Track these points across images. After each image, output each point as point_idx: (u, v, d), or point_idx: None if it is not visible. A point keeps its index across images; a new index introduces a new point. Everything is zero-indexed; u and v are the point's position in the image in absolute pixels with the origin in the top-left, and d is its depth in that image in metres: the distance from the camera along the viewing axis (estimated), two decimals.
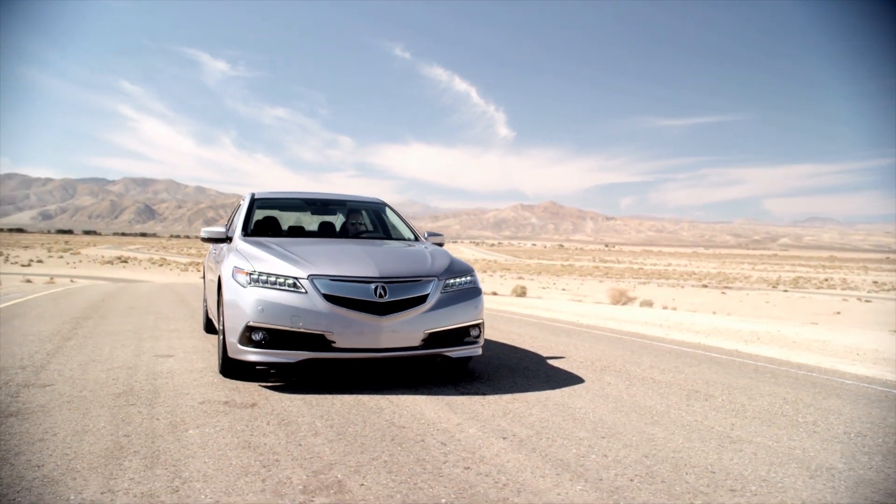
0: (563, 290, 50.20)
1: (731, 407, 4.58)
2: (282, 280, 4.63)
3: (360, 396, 4.49)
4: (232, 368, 4.91)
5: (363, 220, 6.86)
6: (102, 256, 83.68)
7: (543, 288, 52.16)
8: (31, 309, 10.39)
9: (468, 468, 3.11)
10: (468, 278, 5.21)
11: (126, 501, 2.62)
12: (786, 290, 56.63)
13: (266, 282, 4.64)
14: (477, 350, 5.14)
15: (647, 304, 20.18)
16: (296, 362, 4.58)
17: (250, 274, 4.69)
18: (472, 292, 5.15)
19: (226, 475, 2.93)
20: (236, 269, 4.81)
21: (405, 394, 4.62)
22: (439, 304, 4.85)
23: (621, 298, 20.82)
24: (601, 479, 3.00)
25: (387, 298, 4.63)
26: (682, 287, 61.00)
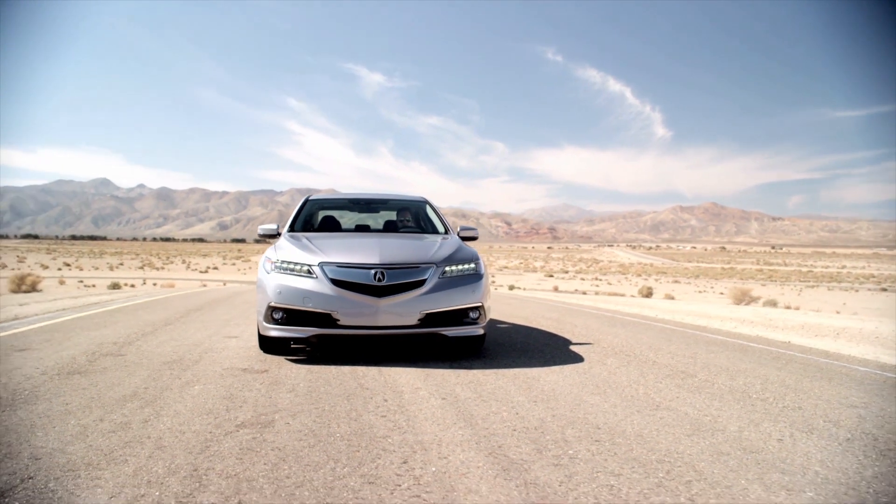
0: (721, 293, 48.08)
1: (698, 385, 4.78)
2: (298, 267, 5.41)
3: (358, 367, 5.16)
4: (267, 344, 5.74)
5: (409, 217, 7.51)
6: None
7: (700, 292, 50.34)
8: (160, 304, 12.04)
9: (384, 416, 3.69)
10: (469, 265, 5.71)
11: (106, 426, 3.44)
12: None
13: (285, 269, 5.44)
14: (477, 330, 5.60)
15: (771, 303, 19.24)
16: (307, 337, 5.31)
17: (274, 262, 5.52)
18: (472, 278, 5.64)
19: (192, 413, 3.71)
20: (266, 259, 5.66)
21: (400, 366, 5.23)
22: (436, 288, 5.40)
23: (744, 298, 19.98)
24: (486, 428, 3.47)
25: (385, 282, 5.25)
26: (857, 291, 56.35)
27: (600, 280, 74.16)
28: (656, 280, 79.56)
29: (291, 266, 5.44)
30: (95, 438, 3.21)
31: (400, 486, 2.62)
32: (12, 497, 2.46)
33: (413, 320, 5.30)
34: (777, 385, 4.83)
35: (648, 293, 28.88)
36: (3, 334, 6.89)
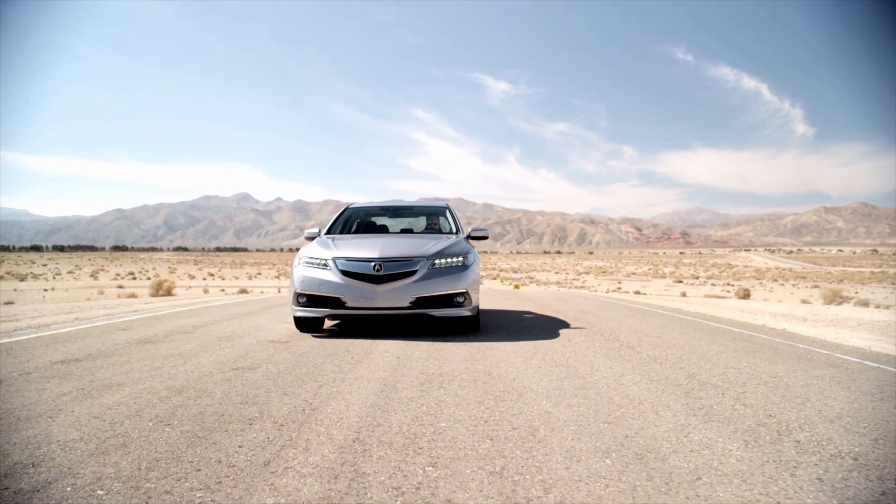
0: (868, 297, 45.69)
1: (624, 354, 5.74)
2: (317, 261, 6.83)
3: (358, 340, 6.49)
4: (300, 324, 7.17)
5: (435, 220, 8.80)
6: None
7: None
8: (254, 302, 14.00)
9: (338, 366, 4.99)
10: (457, 259, 6.89)
11: (146, 368, 4.95)
12: None
13: (309, 263, 6.88)
14: (462, 312, 6.76)
15: (863, 303, 18.76)
16: (322, 316, 6.72)
17: (302, 258, 6.98)
18: (459, 269, 6.82)
19: (209, 363, 5.17)
20: (298, 256, 7.12)
21: (393, 339, 6.50)
22: (426, 277, 6.64)
23: (835, 299, 19.57)
24: (404, 372, 4.70)
25: (382, 272, 6.56)
26: None
27: (732, 286, 71.56)
28: (793, 285, 75.67)
29: (313, 261, 6.87)
30: (133, 374, 4.72)
31: (300, 395, 3.93)
32: (69, 394, 3.97)
33: (406, 303, 6.57)
34: (694, 355, 5.70)
35: (745, 295, 28.42)
36: (116, 321, 8.79)
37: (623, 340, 6.67)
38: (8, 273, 69.93)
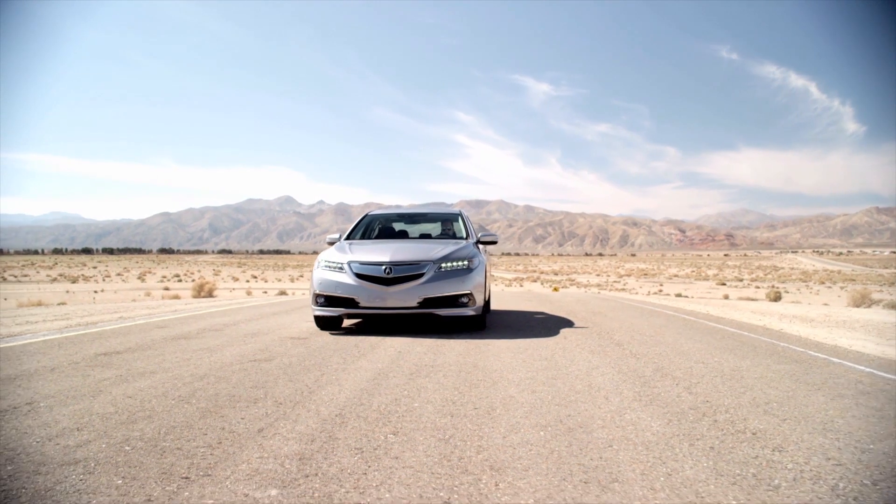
0: None
1: (609, 350, 6.24)
2: (334, 265, 7.47)
3: (369, 337, 7.11)
4: (320, 322, 7.82)
5: (450, 226, 9.40)
6: None
7: None
8: (286, 303, 14.76)
9: (343, 358, 5.61)
10: (462, 263, 7.46)
11: (177, 359, 5.65)
12: None
13: (327, 266, 7.52)
14: (467, 312, 7.33)
15: (891, 306, 18.69)
16: (337, 315, 7.35)
17: (320, 262, 7.63)
18: (464, 272, 7.39)
19: (232, 355, 5.85)
20: (318, 259, 7.78)
21: (401, 336, 7.11)
22: (432, 279, 7.23)
23: (863, 301, 19.55)
24: (399, 364, 5.29)
25: (392, 275, 7.17)
26: None
27: (775, 288, 70.46)
28: (841, 287, 74.16)
29: (330, 264, 7.51)
30: (165, 364, 5.41)
31: (303, 381, 4.56)
32: (109, 379, 4.67)
33: (414, 303, 7.16)
34: (674, 352, 6.17)
35: (776, 297, 28.34)
36: (155, 320, 9.58)
37: (615, 339, 7.15)
38: (61, 275, 72.82)
